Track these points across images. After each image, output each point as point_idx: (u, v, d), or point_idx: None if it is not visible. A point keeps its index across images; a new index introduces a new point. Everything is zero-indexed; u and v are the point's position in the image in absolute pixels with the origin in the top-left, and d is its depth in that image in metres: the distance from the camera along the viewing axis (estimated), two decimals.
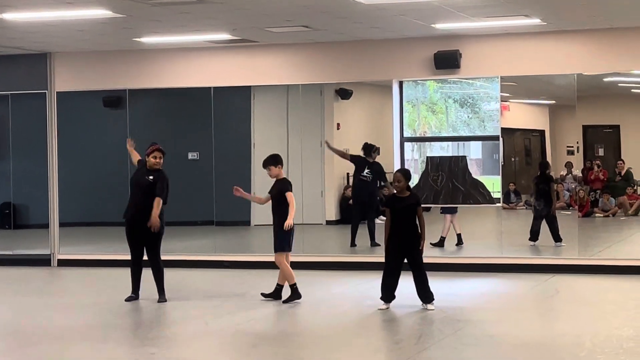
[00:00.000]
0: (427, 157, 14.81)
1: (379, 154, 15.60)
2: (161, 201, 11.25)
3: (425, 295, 10.54)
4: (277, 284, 11.25)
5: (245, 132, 16.72)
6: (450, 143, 15.46)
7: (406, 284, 10.67)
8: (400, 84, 14.59)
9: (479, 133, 14.88)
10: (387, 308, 10.54)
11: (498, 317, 10.27)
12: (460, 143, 15.49)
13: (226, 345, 9.07)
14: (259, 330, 9.95)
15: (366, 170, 15.51)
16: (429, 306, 10.47)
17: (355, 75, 14.64)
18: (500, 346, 8.72)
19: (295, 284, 11.07)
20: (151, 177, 11.35)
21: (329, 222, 16.84)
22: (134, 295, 11.46)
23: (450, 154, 15.22)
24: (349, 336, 9.39)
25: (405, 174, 10.69)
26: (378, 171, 15.45)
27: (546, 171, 15.43)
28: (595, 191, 20.86)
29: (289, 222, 10.88)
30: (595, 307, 10.74)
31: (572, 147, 17.94)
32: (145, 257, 11.46)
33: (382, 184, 15.51)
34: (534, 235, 14.94)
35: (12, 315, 10.90)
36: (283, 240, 11.04)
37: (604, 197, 20.55)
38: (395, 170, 14.12)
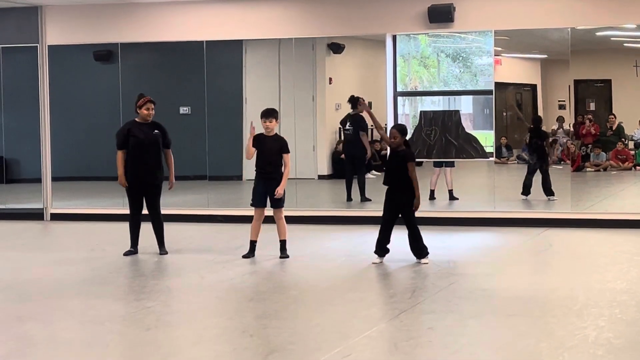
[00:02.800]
0: (421, 111, 14.79)
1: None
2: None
3: (419, 250, 10.57)
4: (280, 240, 11.22)
5: (236, 86, 16.67)
6: (440, 98, 15.44)
7: (400, 238, 10.70)
8: (394, 38, 14.53)
9: (470, 87, 14.85)
10: (381, 262, 10.58)
11: (492, 271, 10.32)
12: (452, 97, 15.46)
13: (222, 299, 9.11)
14: (254, 284, 9.99)
15: (347, 124, 15.56)
16: (423, 260, 10.52)
17: (349, 29, 14.56)
18: (495, 300, 8.77)
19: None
20: (157, 131, 11.33)
21: (321, 177, 16.86)
22: (133, 250, 11.49)
23: (441, 109, 15.21)
24: (343, 290, 9.43)
25: (400, 129, 10.67)
26: (355, 121, 15.43)
27: (540, 126, 15.45)
28: (586, 146, 20.87)
29: (283, 188, 10.88)
30: (588, 260, 10.82)
31: (564, 101, 17.92)
32: (144, 212, 11.49)
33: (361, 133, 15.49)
34: (526, 189, 14.98)
35: (6, 270, 10.89)
36: (284, 196, 11.04)
37: (595, 151, 20.58)
38: (390, 125, 14.23)
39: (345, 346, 7.09)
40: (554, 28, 13.92)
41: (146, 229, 11.54)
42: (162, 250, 11.48)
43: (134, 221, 11.51)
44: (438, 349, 7.08)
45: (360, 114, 15.34)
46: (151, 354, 7.14)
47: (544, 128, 15.91)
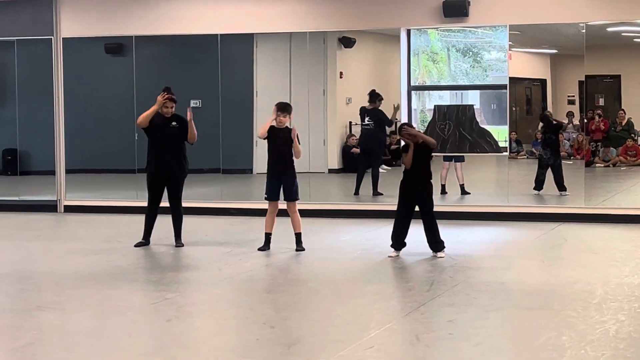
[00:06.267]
0: (435, 106, 14.80)
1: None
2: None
3: (435, 243, 10.60)
4: (296, 233, 11.24)
5: (247, 80, 16.68)
6: (448, 92, 15.43)
7: (417, 231, 10.72)
8: (408, 32, 14.53)
9: (478, 82, 14.86)
10: (397, 255, 10.61)
11: (508, 264, 10.35)
12: (459, 92, 15.46)
13: (241, 291, 9.15)
14: (272, 276, 10.04)
15: (366, 119, 15.57)
16: (439, 254, 10.55)
17: (363, 23, 14.56)
18: (513, 293, 8.82)
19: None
20: (174, 123, 11.40)
21: (331, 171, 16.87)
22: (145, 241, 11.54)
23: (448, 103, 15.21)
24: (361, 283, 9.47)
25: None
26: (377, 117, 15.46)
27: (552, 120, 15.48)
28: (596, 142, 20.86)
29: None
30: (604, 255, 10.82)
31: (573, 96, 17.94)
32: (162, 205, 11.54)
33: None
34: (540, 184, 14.99)
35: (23, 261, 10.95)
36: (298, 189, 11.10)
37: (605, 148, 20.58)
38: (399, 121, 14.30)
39: (367, 338, 7.12)
40: (567, 23, 13.94)
41: (164, 221, 11.58)
42: (179, 242, 11.53)
43: (150, 212, 11.57)
44: (460, 341, 7.11)
45: (379, 108, 15.42)
46: (174, 344, 7.18)
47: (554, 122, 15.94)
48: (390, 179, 14.15)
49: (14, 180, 16.45)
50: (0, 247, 12.01)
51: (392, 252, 10.65)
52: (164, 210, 11.57)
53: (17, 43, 15.74)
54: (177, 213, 11.55)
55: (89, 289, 9.18)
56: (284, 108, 11.05)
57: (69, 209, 15.44)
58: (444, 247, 10.60)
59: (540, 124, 15.72)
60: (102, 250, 11.45)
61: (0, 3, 15.34)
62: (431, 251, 10.62)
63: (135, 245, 11.48)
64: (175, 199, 11.52)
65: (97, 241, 12.24)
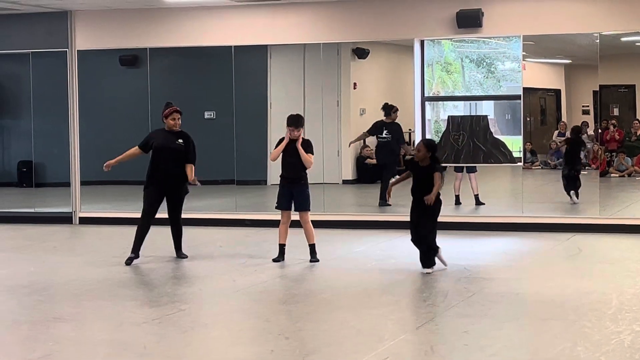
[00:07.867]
0: (449, 116, 14.81)
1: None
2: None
3: (426, 261, 10.36)
4: (309, 244, 11.24)
5: (262, 91, 16.73)
6: (462, 103, 15.45)
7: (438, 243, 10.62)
8: (422, 43, 14.55)
9: (492, 93, 14.88)
10: (431, 272, 10.33)
11: (523, 275, 10.34)
12: (473, 102, 15.47)
13: (256, 302, 9.15)
14: (287, 287, 10.05)
15: (384, 132, 15.58)
16: (426, 270, 10.31)
17: (376, 34, 14.59)
18: (528, 303, 8.81)
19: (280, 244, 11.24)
20: (181, 141, 11.37)
21: (345, 182, 16.89)
22: (134, 255, 11.29)
23: (462, 114, 15.22)
24: (375, 293, 9.47)
25: (427, 144, 10.41)
26: (396, 130, 15.52)
27: (580, 135, 15.61)
28: (610, 152, 20.82)
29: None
30: (619, 265, 10.80)
31: (588, 106, 17.94)
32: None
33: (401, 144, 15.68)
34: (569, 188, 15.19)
35: (39, 272, 10.98)
36: (309, 199, 11.13)
37: (620, 156, 20.53)
38: (416, 130, 14.31)
39: (381, 349, 7.13)
40: (581, 33, 13.95)
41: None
42: (181, 254, 11.53)
43: (145, 226, 11.37)
44: (475, 352, 7.11)
45: (396, 121, 15.48)
46: (190, 355, 7.21)
47: (568, 134, 16.00)
48: (404, 190, 14.13)
49: (29, 192, 16.54)
50: (16, 259, 12.07)
51: (425, 270, 10.34)
52: (164, 222, 11.53)
53: (32, 55, 15.84)
54: (179, 227, 11.56)
55: (105, 301, 9.21)
56: (296, 122, 11.05)
57: (84, 221, 15.50)
58: (434, 264, 10.37)
59: (566, 136, 15.82)
60: (117, 262, 11.47)
61: (15, 16, 15.44)
62: (438, 259, 10.47)
63: (126, 263, 11.17)
64: (176, 213, 11.49)
65: (112, 253, 12.25)
